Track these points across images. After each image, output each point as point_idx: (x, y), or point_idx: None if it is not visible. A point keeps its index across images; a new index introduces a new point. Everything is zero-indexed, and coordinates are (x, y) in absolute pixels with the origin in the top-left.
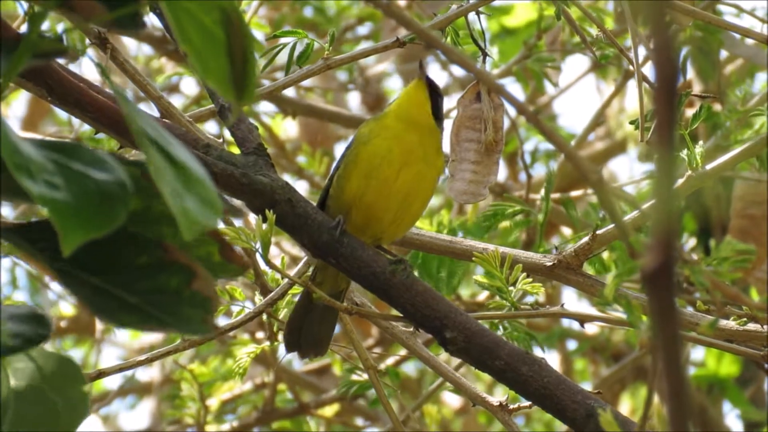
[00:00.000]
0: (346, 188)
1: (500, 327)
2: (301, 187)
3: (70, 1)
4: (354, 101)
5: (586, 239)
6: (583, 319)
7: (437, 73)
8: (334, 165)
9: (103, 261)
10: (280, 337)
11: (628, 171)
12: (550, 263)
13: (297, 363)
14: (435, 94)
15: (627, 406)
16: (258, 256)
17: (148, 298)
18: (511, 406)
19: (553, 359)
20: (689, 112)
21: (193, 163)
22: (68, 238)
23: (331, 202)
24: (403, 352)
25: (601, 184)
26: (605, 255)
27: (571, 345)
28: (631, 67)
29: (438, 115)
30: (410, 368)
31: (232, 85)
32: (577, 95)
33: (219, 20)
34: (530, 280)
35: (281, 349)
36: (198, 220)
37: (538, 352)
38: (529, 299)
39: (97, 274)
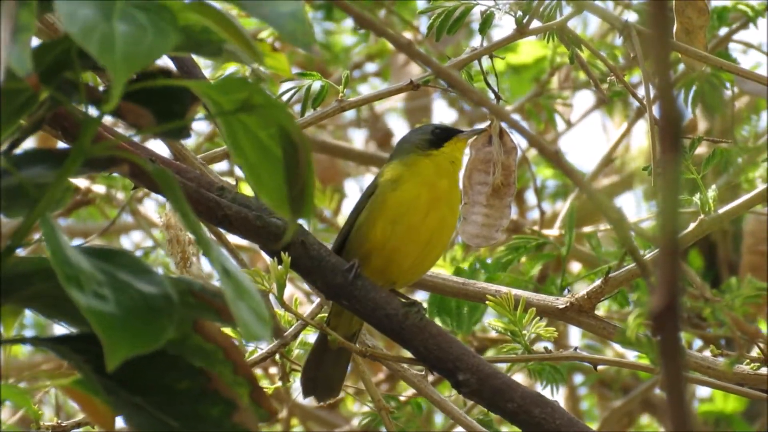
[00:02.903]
0: (369, 235)
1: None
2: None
3: (120, 108)
4: (359, 137)
5: (598, 282)
6: (596, 362)
7: (445, 110)
8: (354, 208)
9: (145, 381)
10: (293, 375)
11: (635, 209)
12: (563, 306)
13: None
14: None
15: None
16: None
17: (190, 424)
18: None
19: (559, 393)
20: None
21: (242, 276)
22: (114, 352)
23: (351, 246)
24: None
25: (621, 221)
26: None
27: (578, 378)
28: (638, 105)
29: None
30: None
31: (288, 202)
32: (582, 132)
33: (276, 136)
34: (543, 324)
35: (295, 385)
36: (254, 332)
37: (548, 391)
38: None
39: (139, 393)
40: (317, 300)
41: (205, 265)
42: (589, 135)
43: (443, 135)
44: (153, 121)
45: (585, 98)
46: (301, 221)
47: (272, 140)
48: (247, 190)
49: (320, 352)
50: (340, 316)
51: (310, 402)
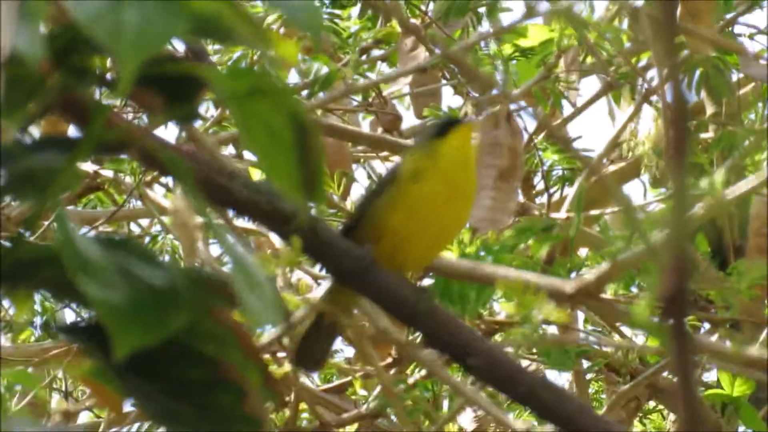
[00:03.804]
0: (386, 221)
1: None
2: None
3: (130, 93)
4: (367, 122)
5: (606, 266)
6: (605, 345)
7: (452, 96)
8: (367, 192)
9: (156, 370)
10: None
11: (642, 195)
12: (571, 290)
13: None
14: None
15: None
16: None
17: (202, 414)
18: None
19: (566, 376)
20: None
21: (251, 262)
22: (120, 343)
23: (363, 230)
24: (422, 372)
25: (630, 205)
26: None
27: (585, 363)
28: (645, 89)
29: None
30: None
31: (300, 187)
32: (588, 117)
33: (286, 121)
34: (553, 307)
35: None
36: (264, 319)
37: (556, 376)
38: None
39: (150, 382)
40: (324, 284)
41: (212, 248)
42: (596, 120)
43: (451, 124)
44: (163, 106)
45: (592, 83)
46: (312, 206)
47: (283, 126)
48: (256, 174)
49: (315, 328)
50: (339, 295)
51: (315, 383)
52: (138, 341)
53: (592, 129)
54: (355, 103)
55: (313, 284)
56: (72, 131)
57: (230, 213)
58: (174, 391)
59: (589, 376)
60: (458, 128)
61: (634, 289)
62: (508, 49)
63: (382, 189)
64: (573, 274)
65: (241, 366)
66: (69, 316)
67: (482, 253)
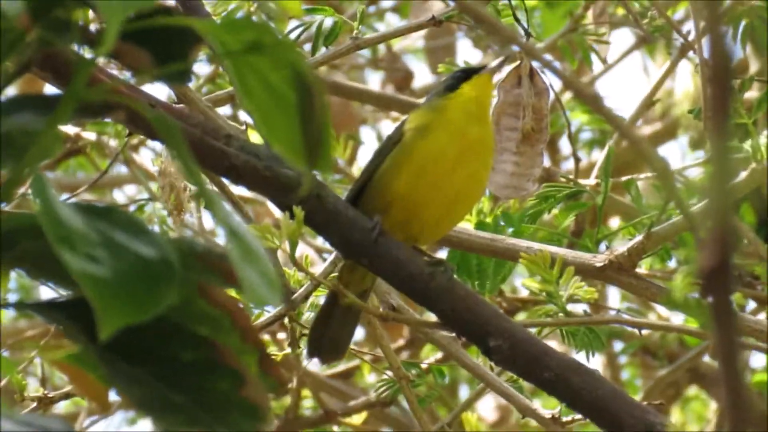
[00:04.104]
0: (392, 185)
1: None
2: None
3: (116, 49)
4: (374, 78)
5: (639, 238)
6: (640, 326)
7: (469, 51)
8: (373, 154)
9: (146, 351)
10: (303, 341)
11: (680, 159)
12: (601, 264)
13: (321, 366)
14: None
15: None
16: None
17: (196, 398)
18: (565, 419)
19: (597, 361)
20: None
21: (248, 234)
22: (107, 320)
23: (370, 197)
24: (438, 355)
25: (666, 171)
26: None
27: (618, 345)
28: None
29: None
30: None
31: (303, 151)
32: (620, 74)
33: (288, 78)
34: (582, 284)
35: (305, 352)
36: (262, 297)
37: (585, 359)
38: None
39: (139, 365)
40: (330, 258)
41: (207, 220)
42: (628, 77)
43: (463, 76)
44: (152, 63)
45: (623, 36)
46: (315, 172)
47: (284, 83)
48: (255, 137)
49: (329, 310)
50: (353, 272)
51: (319, 368)
52: (126, 318)
53: (624, 87)
54: (362, 59)
55: (317, 258)
56: (50, 90)
57: (226, 180)
58: (164, 375)
59: (622, 359)
60: (473, 79)
61: (672, 264)
62: None
63: (387, 150)
64: (603, 247)
65: (237, 349)
66: (45, 293)
67: (501, 224)
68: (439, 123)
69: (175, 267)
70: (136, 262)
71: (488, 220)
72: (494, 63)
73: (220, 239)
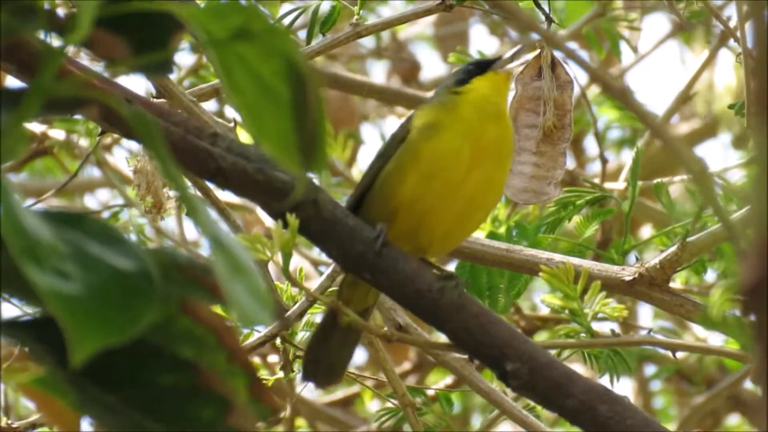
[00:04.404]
0: (398, 190)
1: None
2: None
3: (89, 37)
4: (378, 70)
5: (673, 248)
6: (674, 348)
7: (486, 39)
8: (376, 155)
9: (121, 376)
10: (298, 364)
11: (720, 159)
12: (630, 278)
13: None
14: None
15: None
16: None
17: (177, 428)
18: None
19: (626, 387)
20: None
21: (237, 246)
22: (79, 344)
23: (372, 204)
24: (447, 379)
25: (703, 173)
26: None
27: (650, 369)
28: (722, 30)
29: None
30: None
31: (296, 151)
32: (655, 67)
33: (280, 70)
34: (608, 300)
35: (299, 376)
36: (251, 316)
37: (604, 379)
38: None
39: (113, 391)
40: (327, 271)
41: (190, 230)
42: (663, 69)
43: (475, 69)
44: (129, 52)
45: (658, 23)
46: (311, 175)
47: (275, 75)
48: (245, 137)
49: (326, 330)
50: (354, 288)
51: (315, 394)
52: (100, 341)
53: (659, 80)
54: (364, 49)
55: (312, 272)
56: (14, 83)
57: (211, 184)
58: (141, 402)
59: (655, 385)
60: (487, 74)
61: (709, 278)
62: None
63: (391, 150)
64: (632, 259)
65: (224, 371)
66: (8, 310)
67: (514, 236)
68: (450, 121)
69: (155, 281)
70: (111, 277)
71: (502, 230)
72: (509, 53)
73: (205, 251)
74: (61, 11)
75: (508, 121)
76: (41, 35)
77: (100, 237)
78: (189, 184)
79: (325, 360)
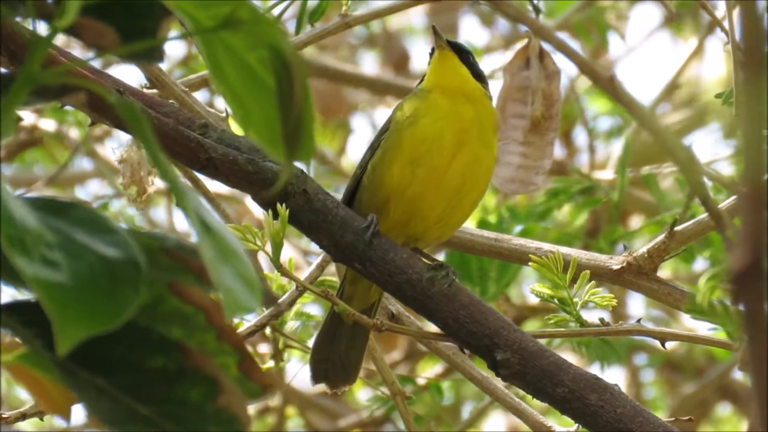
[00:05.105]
0: (386, 178)
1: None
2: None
3: (77, 25)
4: (369, 60)
5: (661, 237)
6: (664, 338)
7: (476, 30)
8: (366, 149)
9: (110, 359)
10: (287, 354)
11: (709, 149)
12: (618, 267)
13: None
14: (463, 55)
15: None
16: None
17: (164, 410)
18: None
19: (618, 378)
20: None
21: (226, 231)
22: (65, 332)
23: (364, 194)
24: (437, 368)
25: (692, 163)
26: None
27: (640, 358)
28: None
29: (481, 78)
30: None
31: (282, 140)
32: (642, 55)
33: (266, 58)
34: (598, 290)
35: (289, 365)
36: (240, 302)
37: (594, 368)
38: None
39: (102, 374)
40: (316, 261)
41: (180, 221)
42: (655, 60)
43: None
44: (118, 40)
45: (647, 13)
46: (300, 165)
47: (262, 64)
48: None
49: (333, 328)
50: (356, 284)
51: (312, 387)
52: (86, 329)
53: (651, 72)
54: (354, 39)
55: (302, 262)
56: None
57: (201, 175)
58: (131, 385)
59: (646, 375)
60: (431, 59)
61: (697, 266)
62: None
63: (377, 142)
64: (621, 248)
65: (213, 350)
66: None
67: (507, 220)
68: (425, 108)
69: (142, 268)
70: (98, 264)
71: (491, 218)
72: (438, 39)
73: (194, 239)
74: None
75: (485, 101)
76: (30, 23)
77: (87, 225)
78: (179, 174)
79: (335, 359)
